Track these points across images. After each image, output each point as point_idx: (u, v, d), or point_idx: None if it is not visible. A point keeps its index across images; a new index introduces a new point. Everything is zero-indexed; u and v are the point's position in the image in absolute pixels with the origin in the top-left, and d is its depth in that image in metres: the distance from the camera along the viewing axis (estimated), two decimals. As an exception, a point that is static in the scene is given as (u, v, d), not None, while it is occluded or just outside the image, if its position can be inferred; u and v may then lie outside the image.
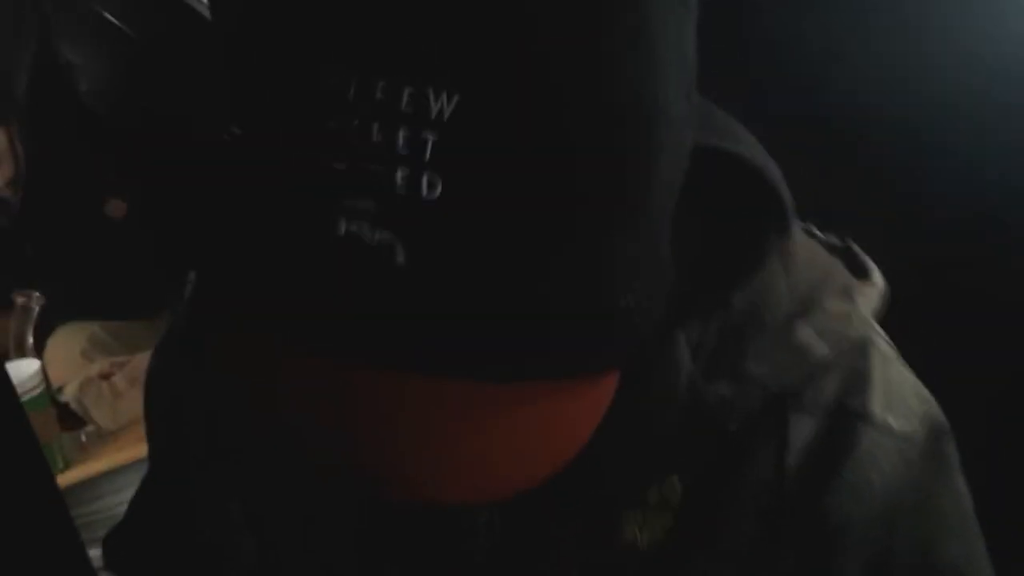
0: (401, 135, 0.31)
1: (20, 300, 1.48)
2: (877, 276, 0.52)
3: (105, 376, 1.43)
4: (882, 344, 0.51)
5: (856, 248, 0.54)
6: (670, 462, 0.49)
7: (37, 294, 1.48)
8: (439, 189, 0.31)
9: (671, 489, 0.49)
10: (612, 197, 0.34)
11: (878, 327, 0.51)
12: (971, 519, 0.51)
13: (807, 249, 0.51)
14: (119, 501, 1.43)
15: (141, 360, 1.52)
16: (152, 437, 0.65)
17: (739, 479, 0.48)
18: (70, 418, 1.47)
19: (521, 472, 0.36)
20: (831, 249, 0.53)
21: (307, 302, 0.33)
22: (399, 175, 0.31)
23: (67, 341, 1.71)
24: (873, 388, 0.49)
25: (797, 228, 0.49)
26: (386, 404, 0.34)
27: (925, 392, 0.51)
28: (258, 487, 0.56)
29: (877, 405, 0.48)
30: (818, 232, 0.54)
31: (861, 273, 0.52)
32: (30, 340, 1.47)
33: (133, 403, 1.47)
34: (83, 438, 1.44)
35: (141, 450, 1.49)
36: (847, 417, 0.48)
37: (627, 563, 0.49)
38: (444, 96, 0.31)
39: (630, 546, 0.49)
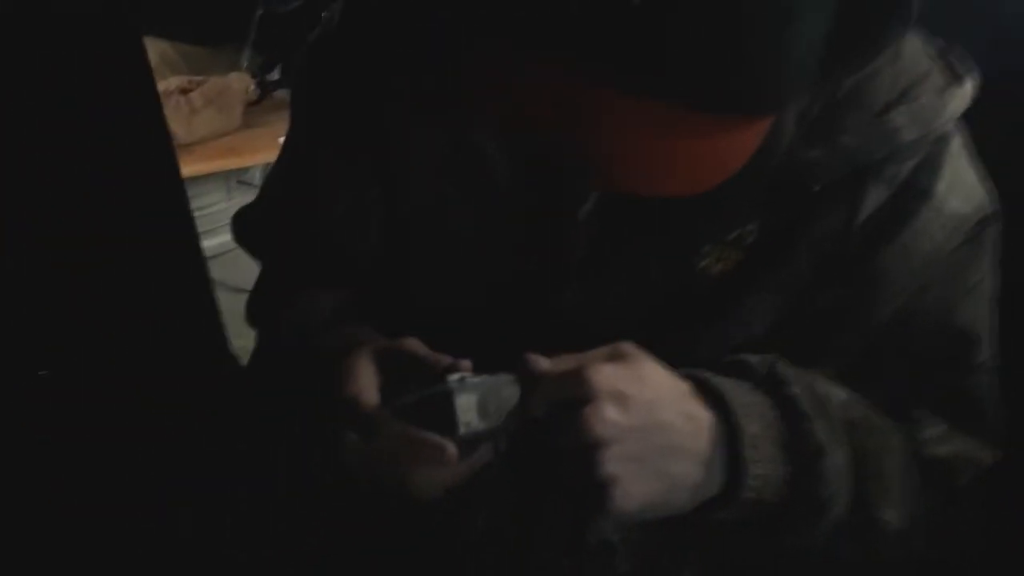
0: None
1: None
2: (969, 83, 0.59)
3: (184, 91, 1.51)
4: (959, 140, 0.60)
5: (954, 57, 0.60)
6: (756, 210, 0.58)
7: None
8: None
9: (748, 232, 0.59)
10: None
11: (958, 127, 0.60)
12: (989, 295, 0.63)
13: (914, 48, 0.59)
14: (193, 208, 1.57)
15: (217, 82, 1.60)
16: (303, 123, 0.70)
17: (811, 228, 0.58)
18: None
19: (691, 180, 0.47)
20: (933, 54, 0.60)
21: (548, 23, 0.42)
22: None
23: (140, 55, 1.78)
24: (942, 173, 0.58)
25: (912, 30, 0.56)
26: (607, 114, 0.44)
27: (983, 185, 0.61)
28: (408, 179, 0.63)
29: (942, 187, 0.58)
30: (924, 40, 0.60)
31: (956, 78, 0.59)
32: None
33: (209, 120, 1.57)
34: (159, 147, 1.56)
35: (213, 164, 1.61)
36: (915, 192, 0.58)
37: (696, 285, 0.60)
38: None
39: (702, 271, 0.60)
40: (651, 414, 0.50)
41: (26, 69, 0.62)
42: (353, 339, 0.60)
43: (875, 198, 0.58)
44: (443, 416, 0.53)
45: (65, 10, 0.63)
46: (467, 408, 0.53)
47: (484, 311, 0.63)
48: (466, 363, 0.55)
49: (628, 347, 0.53)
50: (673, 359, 0.55)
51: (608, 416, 0.49)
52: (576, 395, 0.50)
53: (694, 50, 0.42)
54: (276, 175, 0.76)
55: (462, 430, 0.53)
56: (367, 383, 0.56)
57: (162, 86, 1.56)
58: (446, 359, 0.56)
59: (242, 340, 1.22)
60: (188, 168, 1.60)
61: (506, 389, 0.54)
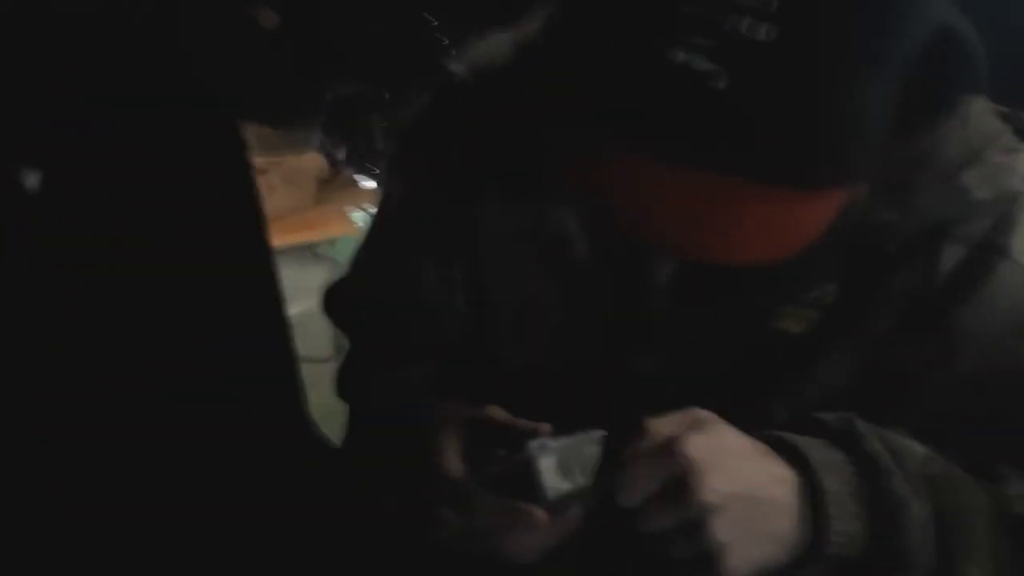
0: None
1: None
2: None
3: (262, 171, 1.60)
4: None
5: (1023, 118, 0.61)
6: (834, 271, 0.60)
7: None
8: (774, 36, 0.42)
9: (828, 293, 0.60)
10: (884, 58, 0.45)
11: None
12: None
13: (983, 111, 0.60)
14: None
15: (292, 161, 1.69)
16: (394, 202, 0.74)
17: (889, 288, 0.59)
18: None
19: (771, 249, 0.49)
20: (1002, 116, 0.61)
21: (640, 110, 0.45)
22: (741, 21, 0.42)
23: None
24: (1017, 231, 0.59)
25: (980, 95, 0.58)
26: (687, 192, 0.46)
27: None
28: (492, 253, 0.67)
29: (1018, 245, 0.59)
30: (992, 103, 0.61)
31: None
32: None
33: (285, 197, 1.66)
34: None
35: (289, 238, 1.69)
36: (991, 251, 0.59)
37: (775, 345, 0.61)
38: None
39: (781, 332, 0.61)
40: (746, 478, 0.52)
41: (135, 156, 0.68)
42: (440, 413, 0.62)
43: (951, 257, 0.58)
44: (528, 482, 0.55)
45: (167, 94, 0.69)
46: (550, 471, 0.55)
47: (570, 377, 0.65)
48: (545, 426, 0.57)
49: (703, 413, 0.54)
50: (751, 419, 0.56)
51: (710, 485, 0.50)
52: (671, 472, 0.51)
53: (775, 129, 0.44)
54: (366, 251, 0.79)
55: (549, 494, 0.54)
56: (454, 457, 0.59)
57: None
58: (528, 424, 0.58)
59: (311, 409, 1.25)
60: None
61: (588, 448, 0.56)
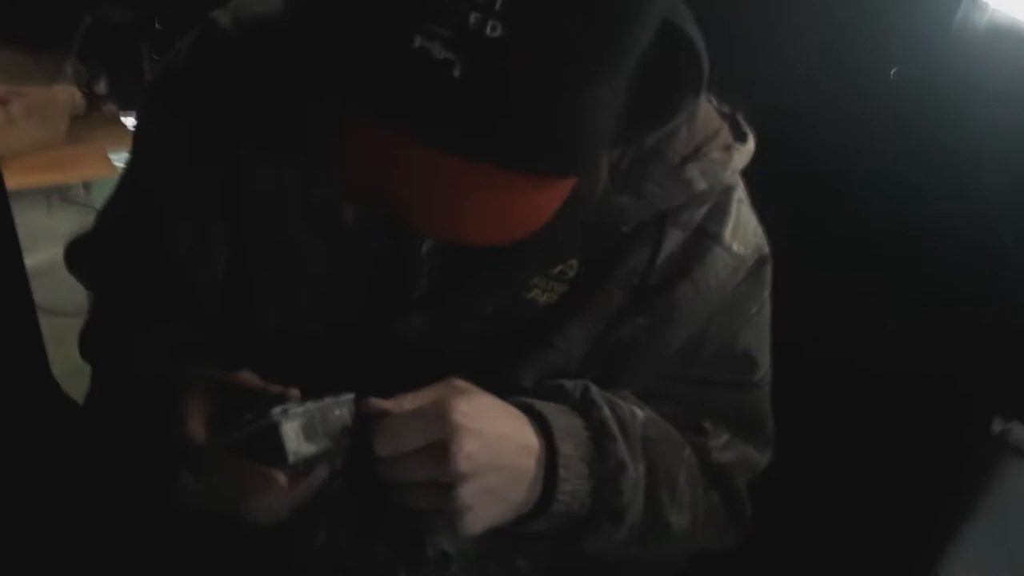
0: None
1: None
2: (751, 141, 0.68)
3: (2, 101, 1.42)
4: (741, 191, 0.69)
5: (739, 117, 0.69)
6: (576, 248, 0.65)
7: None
8: (499, 33, 0.43)
9: (570, 267, 0.65)
10: (609, 59, 0.48)
11: (740, 179, 0.69)
12: (767, 323, 0.72)
13: (706, 110, 0.67)
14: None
15: (40, 92, 1.51)
16: (147, 155, 0.70)
17: (621, 265, 0.65)
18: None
19: (507, 230, 0.51)
20: (722, 115, 0.68)
21: (382, 90, 0.45)
22: (472, 16, 0.43)
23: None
24: (728, 219, 0.67)
25: (704, 94, 0.64)
26: (426, 173, 0.47)
27: (760, 231, 0.70)
28: (255, 214, 0.65)
29: (727, 232, 0.67)
30: (715, 101, 0.69)
31: (740, 137, 0.68)
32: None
33: (29, 132, 1.48)
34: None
35: (33, 179, 1.52)
36: (705, 236, 0.66)
37: (525, 315, 0.66)
38: None
39: (530, 302, 0.66)
40: (501, 449, 0.56)
41: None
42: (187, 376, 0.61)
43: (672, 240, 0.66)
44: (271, 446, 0.55)
45: None
46: (293, 436, 0.55)
47: (331, 341, 0.66)
48: (295, 391, 0.57)
49: (460, 382, 0.57)
50: (502, 384, 0.60)
51: (469, 452, 0.53)
52: (435, 434, 0.53)
53: (504, 120, 0.46)
54: (116, 205, 0.74)
55: (289, 458, 0.55)
56: (197, 421, 0.58)
57: (-24, 94, 1.46)
58: (276, 389, 0.58)
59: (57, 366, 1.15)
60: (10, 182, 1.50)
61: (335, 411, 0.56)
